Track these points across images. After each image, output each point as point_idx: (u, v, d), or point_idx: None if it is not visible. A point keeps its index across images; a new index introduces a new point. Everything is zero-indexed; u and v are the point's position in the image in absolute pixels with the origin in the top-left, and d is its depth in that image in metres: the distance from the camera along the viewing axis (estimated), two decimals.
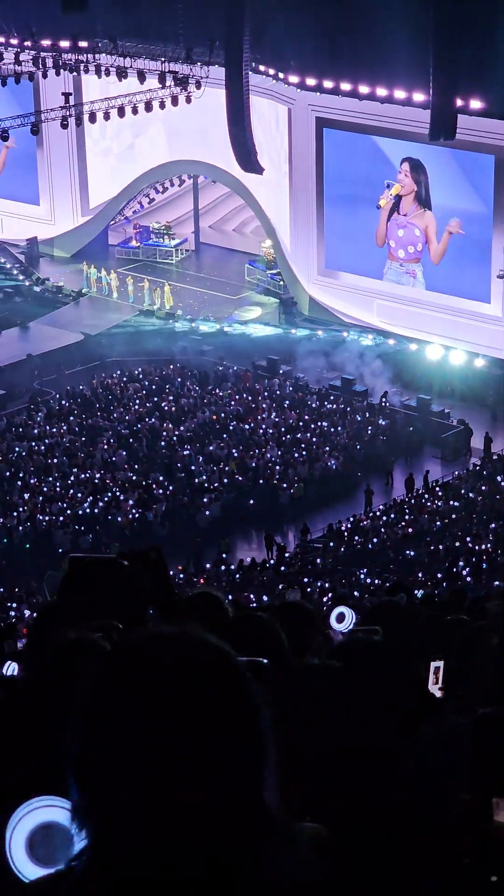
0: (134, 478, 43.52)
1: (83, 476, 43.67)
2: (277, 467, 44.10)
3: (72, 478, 43.54)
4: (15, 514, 41.10)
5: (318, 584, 35.09)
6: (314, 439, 46.17)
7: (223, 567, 38.32)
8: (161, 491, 42.63)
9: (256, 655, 2.62)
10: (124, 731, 2.05)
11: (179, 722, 2.05)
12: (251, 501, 42.58)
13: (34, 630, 4.65)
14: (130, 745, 2.04)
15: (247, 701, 2.11)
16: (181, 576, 36.17)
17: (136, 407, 49.14)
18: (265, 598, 30.23)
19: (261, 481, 43.34)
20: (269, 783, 2.10)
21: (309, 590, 33.62)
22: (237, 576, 37.28)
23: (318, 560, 38.44)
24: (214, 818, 2.04)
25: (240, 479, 43.47)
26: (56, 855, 2.88)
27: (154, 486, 42.92)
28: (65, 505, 41.60)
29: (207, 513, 41.73)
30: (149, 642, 2.14)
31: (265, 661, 2.62)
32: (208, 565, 38.41)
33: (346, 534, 40.22)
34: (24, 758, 3.45)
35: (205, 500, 42.16)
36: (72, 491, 42.57)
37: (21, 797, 2.96)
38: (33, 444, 46.10)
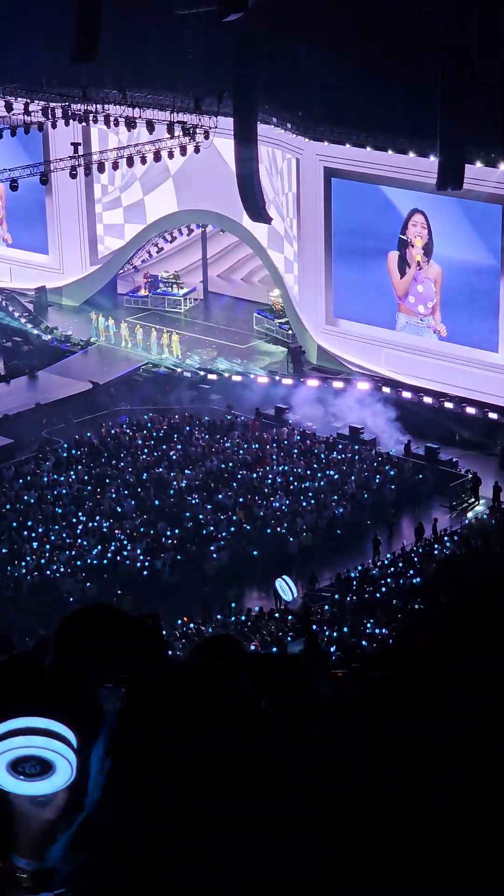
0: (142, 528, 43.46)
1: (91, 525, 43.62)
2: (285, 515, 44.04)
3: (80, 527, 43.49)
4: (23, 563, 41.04)
5: (326, 633, 34.92)
6: (322, 485, 46.10)
7: (231, 616, 38.18)
8: (169, 540, 42.56)
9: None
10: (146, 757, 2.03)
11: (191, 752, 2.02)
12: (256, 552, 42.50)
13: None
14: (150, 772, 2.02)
15: (262, 741, 2.09)
16: (191, 625, 36.03)
17: (144, 456, 49.14)
18: (273, 648, 30.12)
19: (268, 530, 43.25)
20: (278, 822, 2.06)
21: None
22: (245, 626, 37.14)
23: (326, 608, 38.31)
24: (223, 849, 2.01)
25: (248, 528, 43.40)
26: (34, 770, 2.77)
27: (162, 535, 42.86)
28: (73, 553, 41.55)
29: (215, 557, 41.67)
30: (168, 674, 2.12)
31: (263, 701, 2.59)
32: (219, 616, 38.31)
33: (353, 583, 40.09)
34: None
35: (212, 548, 42.09)
36: (80, 540, 42.52)
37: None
38: (41, 492, 46.08)
